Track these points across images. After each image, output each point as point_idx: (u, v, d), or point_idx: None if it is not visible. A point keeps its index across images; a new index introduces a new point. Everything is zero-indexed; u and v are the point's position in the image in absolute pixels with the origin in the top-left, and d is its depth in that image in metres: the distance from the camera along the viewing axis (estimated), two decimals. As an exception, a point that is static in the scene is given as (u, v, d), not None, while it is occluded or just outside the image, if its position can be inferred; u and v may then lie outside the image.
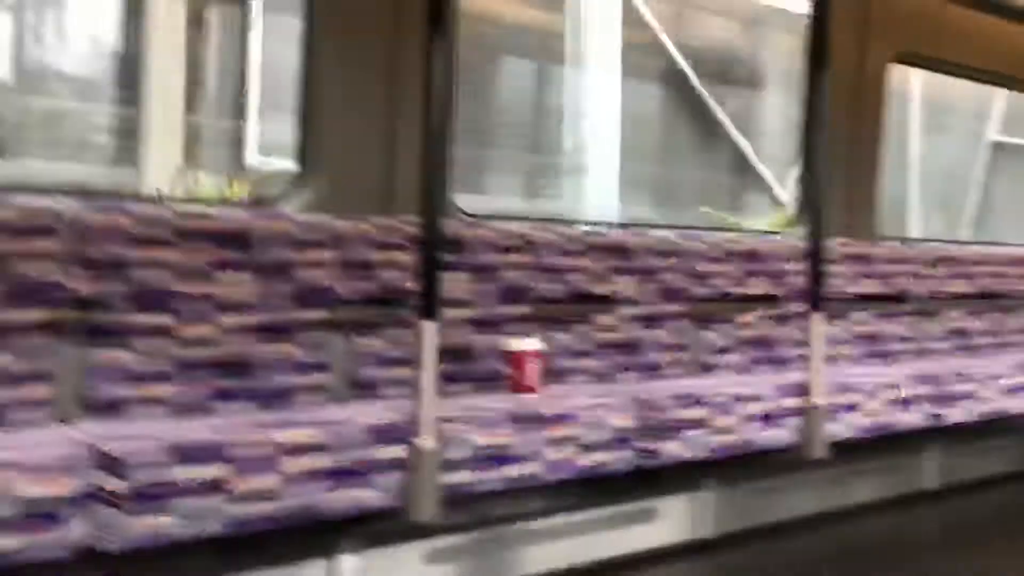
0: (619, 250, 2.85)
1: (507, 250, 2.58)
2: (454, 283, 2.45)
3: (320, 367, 2.20)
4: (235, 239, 2.12)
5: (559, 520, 2.33)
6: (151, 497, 1.54)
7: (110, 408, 1.91)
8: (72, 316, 1.89)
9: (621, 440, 2.18)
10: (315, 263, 2.24)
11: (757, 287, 3.14)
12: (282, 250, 2.20)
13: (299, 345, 2.18)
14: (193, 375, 2.02)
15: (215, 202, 2.25)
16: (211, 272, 2.09)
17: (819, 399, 2.49)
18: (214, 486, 1.60)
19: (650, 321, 2.85)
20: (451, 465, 1.88)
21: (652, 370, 2.83)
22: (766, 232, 3.50)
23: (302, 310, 2.19)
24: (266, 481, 1.64)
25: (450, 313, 2.41)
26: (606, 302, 2.50)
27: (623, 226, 3.07)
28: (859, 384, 2.73)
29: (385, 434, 1.82)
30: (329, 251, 2.27)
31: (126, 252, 1.98)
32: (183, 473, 1.57)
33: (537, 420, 2.04)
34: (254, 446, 1.66)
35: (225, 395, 2.06)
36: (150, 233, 2.02)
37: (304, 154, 2.40)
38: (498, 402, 2.11)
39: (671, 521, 2.56)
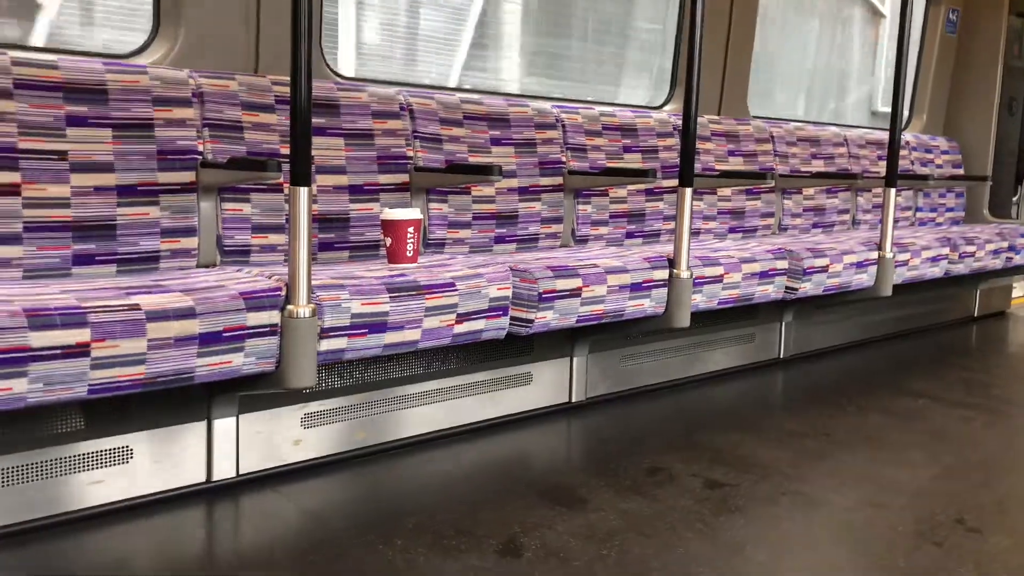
0: (498, 120, 2.83)
1: (383, 116, 2.52)
2: (328, 148, 2.39)
3: (187, 231, 2.12)
4: (89, 92, 1.97)
5: (436, 384, 2.40)
6: (3, 362, 1.47)
7: None
8: None
9: (497, 308, 2.21)
10: (177, 121, 2.12)
11: (632, 161, 3.20)
12: (141, 106, 2.06)
13: (164, 208, 2.08)
14: (47, 238, 1.90)
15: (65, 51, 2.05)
16: (62, 128, 1.94)
17: (684, 271, 2.62)
18: (76, 351, 1.53)
19: (527, 193, 2.87)
20: (327, 331, 1.88)
21: (528, 241, 2.88)
22: (642, 107, 3.54)
23: (165, 172, 2.09)
24: (133, 346, 1.58)
25: (324, 180, 2.37)
26: (484, 171, 2.49)
27: (503, 95, 3.02)
28: (722, 257, 2.86)
29: (258, 300, 1.78)
30: (192, 109, 2.15)
31: None
32: (40, 339, 1.50)
33: (414, 289, 2.04)
34: (119, 311, 1.60)
35: (85, 259, 1.96)
36: None
37: (159, 3, 2.23)
38: (375, 271, 2.10)
39: (544, 385, 2.68)
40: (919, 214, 4.53)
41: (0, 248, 1.87)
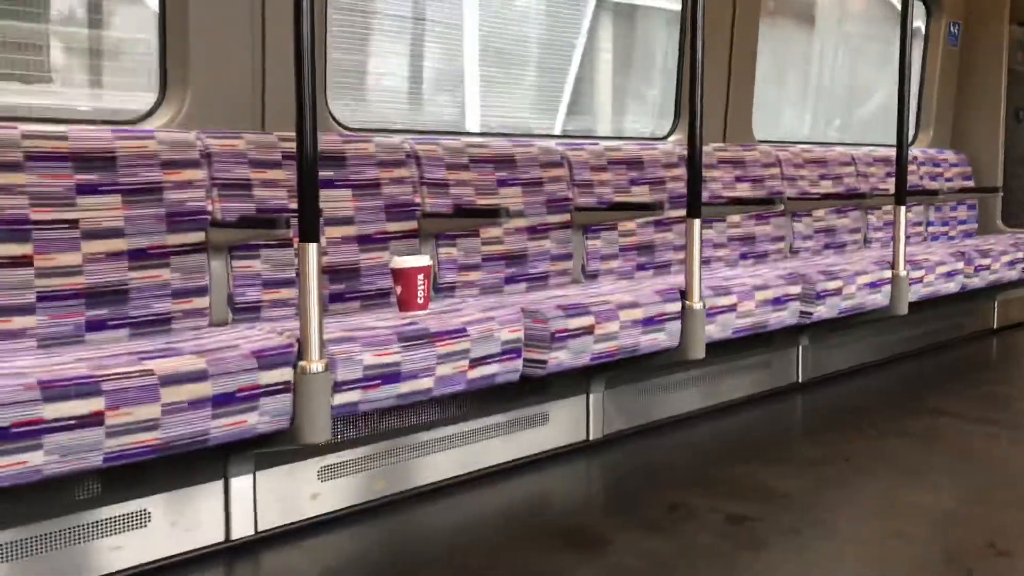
0: (504, 161, 2.85)
1: (389, 164, 2.55)
2: (336, 200, 2.41)
3: (198, 292, 2.14)
4: (98, 160, 2.01)
5: (452, 430, 2.39)
6: (19, 436, 1.48)
7: None
8: None
9: (510, 351, 2.21)
10: (185, 183, 2.15)
11: (639, 194, 3.20)
12: (149, 170, 2.09)
13: (174, 270, 2.10)
14: (60, 306, 1.93)
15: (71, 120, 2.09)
16: (72, 197, 1.97)
17: (696, 302, 2.62)
18: (90, 421, 1.55)
19: (536, 232, 2.88)
20: (341, 385, 1.88)
21: (539, 280, 2.88)
22: (648, 139, 3.55)
23: (175, 234, 2.11)
24: (147, 411, 1.59)
25: (333, 231, 2.39)
26: (492, 214, 2.51)
27: (507, 136, 3.04)
28: (734, 286, 2.85)
29: (271, 358, 1.79)
30: (200, 170, 2.18)
31: None
32: (54, 411, 1.51)
33: (426, 336, 2.04)
34: (132, 377, 1.61)
35: (98, 325, 1.98)
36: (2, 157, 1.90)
37: (166, 67, 2.27)
38: (386, 320, 2.11)
39: (560, 425, 2.67)
40: (931, 228, 4.51)
41: (15, 319, 1.89)
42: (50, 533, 1.75)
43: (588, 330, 2.39)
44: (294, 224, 1.89)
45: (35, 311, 1.91)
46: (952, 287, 3.71)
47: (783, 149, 3.87)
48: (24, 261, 1.90)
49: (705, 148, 3.41)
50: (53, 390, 1.53)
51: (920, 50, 4.63)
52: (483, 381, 2.18)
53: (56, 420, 1.52)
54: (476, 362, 2.14)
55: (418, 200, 2.62)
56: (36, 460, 1.51)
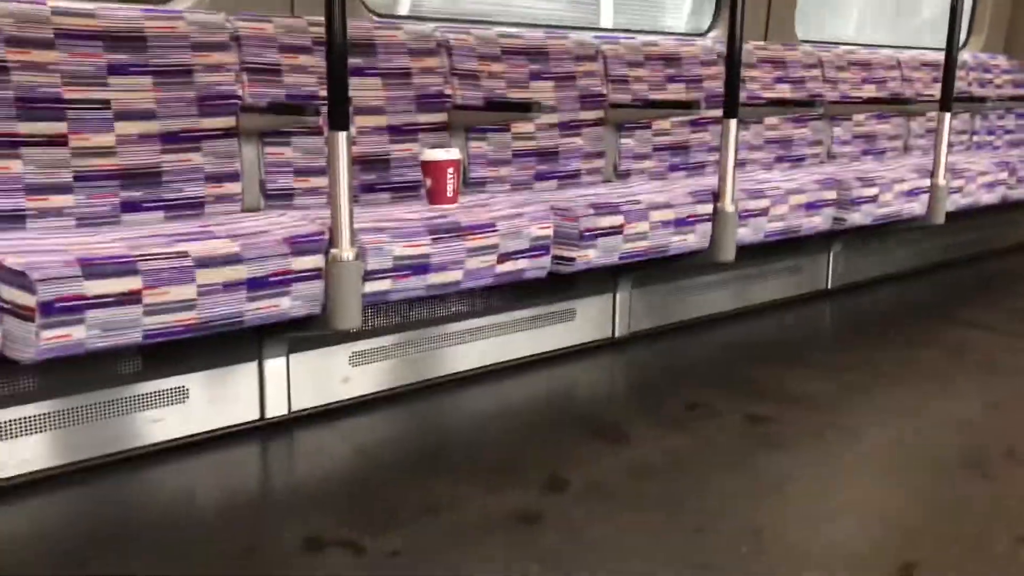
0: (537, 53, 2.79)
1: (419, 54, 2.50)
2: (366, 89, 2.38)
3: (230, 177, 2.15)
4: (128, 40, 1.99)
5: (479, 322, 2.43)
6: (62, 310, 1.52)
7: (10, 219, 1.84)
8: None
9: (539, 248, 2.22)
10: (215, 66, 2.13)
11: (676, 92, 3.13)
12: (179, 52, 2.07)
13: (206, 154, 2.11)
14: (96, 186, 1.95)
15: (101, -1, 2.06)
16: (104, 77, 1.96)
17: (729, 205, 2.59)
18: (128, 298, 1.58)
19: (568, 128, 2.84)
20: (371, 274, 1.91)
21: (570, 178, 2.86)
22: (686, 35, 3.45)
23: (207, 118, 2.11)
24: (183, 292, 1.63)
25: (363, 121, 2.38)
26: (523, 108, 2.47)
27: (540, 28, 2.96)
28: (768, 189, 2.82)
29: (303, 245, 1.81)
30: (230, 53, 2.16)
31: (3, 54, 1.85)
32: (95, 287, 1.55)
33: (455, 230, 2.05)
34: (168, 258, 1.65)
35: (133, 206, 2.00)
36: (29, 34, 1.88)
37: None
38: (416, 212, 2.11)
39: (587, 321, 2.69)
40: (976, 138, 4.38)
41: (52, 197, 1.92)
42: (93, 404, 1.82)
43: (618, 229, 2.39)
44: (324, 112, 1.88)
45: (72, 190, 1.94)
46: (993, 198, 3.63)
47: (825, 50, 3.74)
48: (59, 140, 1.91)
49: (745, 46, 3.31)
50: (93, 267, 1.56)
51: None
52: (511, 276, 2.19)
53: (96, 297, 1.56)
54: (504, 257, 2.15)
55: (449, 92, 2.58)
56: (79, 334, 1.55)
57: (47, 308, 1.51)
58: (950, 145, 3.52)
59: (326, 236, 1.85)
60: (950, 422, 2.20)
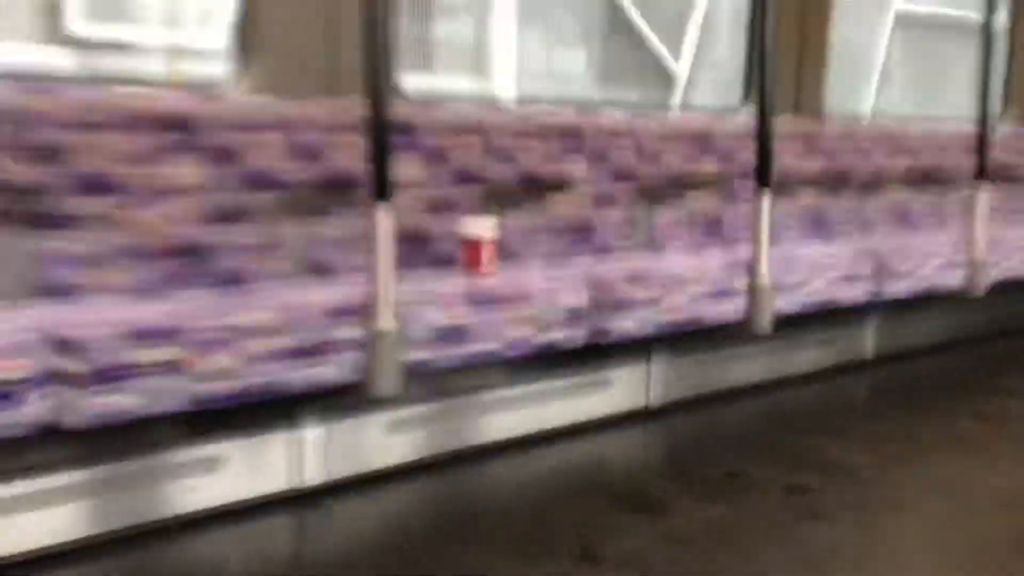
0: (571, 132, 2.86)
1: (457, 132, 2.57)
2: (406, 167, 2.45)
3: (274, 250, 2.21)
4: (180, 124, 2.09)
5: (516, 391, 2.44)
6: (110, 378, 1.58)
7: (64, 294, 1.91)
8: (16, 204, 1.87)
9: (575, 318, 2.24)
10: (263, 147, 2.22)
11: (708, 166, 3.18)
12: (229, 134, 2.16)
13: (252, 230, 2.18)
14: (145, 261, 2.02)
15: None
16: (157, 157, 2.05)
17: (764, 278, 2.60)
18: (173, 366, 1.64)
19: (602, 202, 2.89)
20: (410, 344, 1.94)
21: (605, 251, 2.89)
22: (718, 111, 3.51)
23: (252, 194, 2.18)
24: (225, 361, 1.67)
25: (403, 197, 2.43)
26: (558, 183, 2.52)
27: (574, 106, 3.04)
28: (804, 262, 2.82)
29: (343, 315, 1.85)
30: (277, 134, 2.24)
31: (65, 137, 1.94)
32: (142, 354, 1.62)
33: (492, 300, 2.08)
34: (212, 329, 1.70)
35: (180, 280, 2.07)
36: (90, 118, 1.98)
37: (245, 34, 2.33)
38: (454, 283, 2.16)
39: (622, 390, 2.69)
40: (1013, 210, 4.35)
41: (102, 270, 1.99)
42: (127, 473, 1.83)
43: (653, 300, 2.40)
44: (366, 188, 1.93)
45: (122, 265, 2.00)
46: None
47: (857, 123, 3.77)
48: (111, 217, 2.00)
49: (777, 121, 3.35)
50: (142, 336, 1.62)
51: (1008, 18, 4.45)
52: (547, 345, 2.21)
53: (144, 365, 1.61)
54: (540, 327, 2.17)
55: (484, 167, 2.62)
56: (125, 402, 1.60)
57: (98, 375, 1.56)
58: (987, 218, 3.51)
59: (366, 308, 1.87)
60: (994, 497, 2.15)
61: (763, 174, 2.59)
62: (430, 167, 2.50)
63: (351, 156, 2.33)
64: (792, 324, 3.04)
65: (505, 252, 2.64)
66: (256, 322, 1.74)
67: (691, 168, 3.13)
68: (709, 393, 2.92)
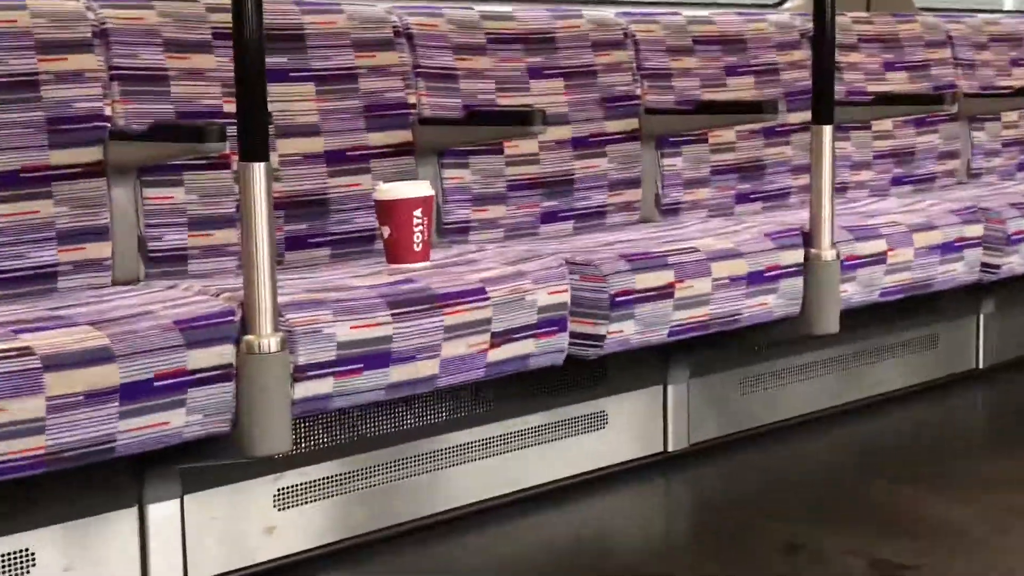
0: (539, 40, 2.85)
1: (369, 46, 2.59)
2: (293, 100, 2.47)
3: (95, 233, 2.19)
4: None
5: (467, 436, 2.47)
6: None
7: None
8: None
9: (551, 322, 2.27)
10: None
11: (740, 89, 3.22)
12: None
13: (59, 203, 2.15)
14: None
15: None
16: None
17: (827, 250, 2.63)
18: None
19: (587, 145, 2.91)
20: (305, 371, 1.93)
21: (592, 217, 2.92)
22: (752, 8, 3.52)
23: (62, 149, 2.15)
24: (26, 408, 1.64)
25: (289, 146, 2.45)
26: (521, 120, 2.53)
27: None
28: (883, 225, 2.85)
29: (203, 331, 1.84)
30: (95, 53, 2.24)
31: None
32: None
33: (428, 300, 2.08)
34: (5, 359, 1.65)
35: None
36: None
37: None
38: (369, 276, 2.17)
39: (626, 429, 2.72)
40: None
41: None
42: None
43: (666, 291, 2.41)
44: (232, 135, 1.91)
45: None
46: None
47: (955, 20, 3.82)
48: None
49: (840, 20, 3.38)
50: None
51: None
52: (511, 365, 2.21)
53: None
54: (500, 337, 2.16)
55: (412, 100, 2.62)
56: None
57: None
58: None
59: (237, 317, 1.86)
60: None
61: (822, 100, 2.60)
62: (331, 99, 2.50)
63: (207, 85, 2.36)
64: (869, 321, 3.07)
65: (443, 225, 2.62)
66: (68, 346, 1.70)
67: (716, 93, 3.14)
68: (753, 429, 2.95)
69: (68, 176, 2.16)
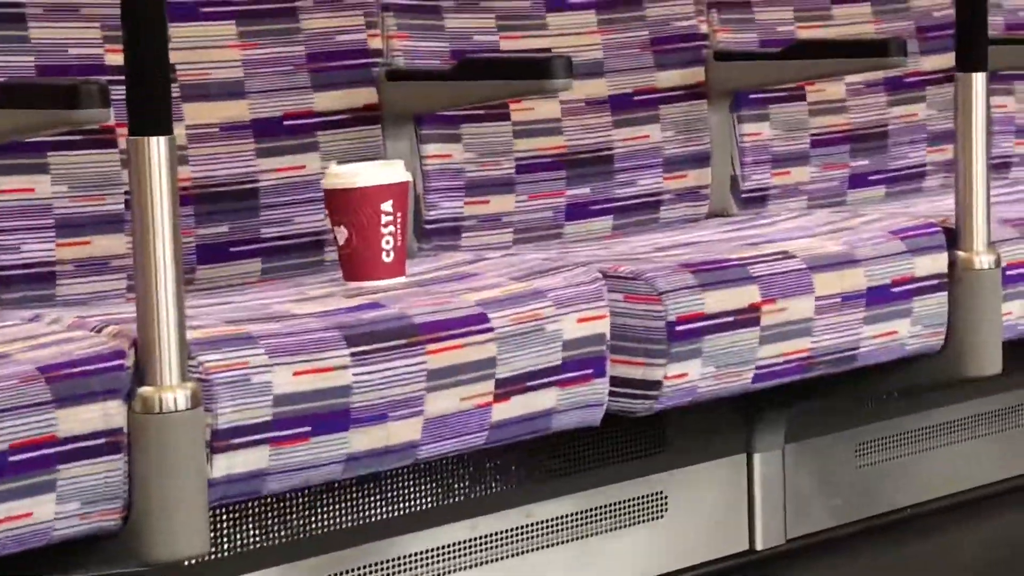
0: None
1: None
2: (208, 45, 2.50)
3: None
4: None
5: (465, 531, 2.49)
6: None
7: None
8: None
9: (582, 363, 2.28)
10: None
11: (849, 22, 3.27)
12: None
13: None
14: None
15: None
16: None
17: (983, 254, 2.65)
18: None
19: (629, 107, 2.95)
20: (226, 437, 1.94)
21: (639, 209, 2.95)
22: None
23: None
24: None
25: (199, 113, 2.50)
26: (533, 71, 2.55)
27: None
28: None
29: (79, 382, 1.85)
30: None
31: None
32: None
33: (403, 332, 2.10)
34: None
35: None
36: None
37: None
38: (319, 298, 2.20)
39: (694, 519, 2.75)
40: None
41: None
42: None
43: (749, 316, 2.43)
44: (118, 99, 1.92)
45: None
46: None
47: None
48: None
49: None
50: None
51: None
52: (525, 426, 2.22)
53: None
54: (509, 386, 2.18)
55: (377, 44, 2.65)
56: None
57: None
58: None
59: (129, 362, 1.87)
60: None
61: (970, 39, 2.62)
62: (260, 44, 2.55)
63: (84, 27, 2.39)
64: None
65: (425, 223, 2.65)
66: None
67: (815, 28, 3.16)
68: (870, 519, 2.98)
69: None
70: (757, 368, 2.45)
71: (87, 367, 1.84)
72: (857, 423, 2.94)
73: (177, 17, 2.38)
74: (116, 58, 2.28)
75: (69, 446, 1.80)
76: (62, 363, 1.83)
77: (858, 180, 3.23)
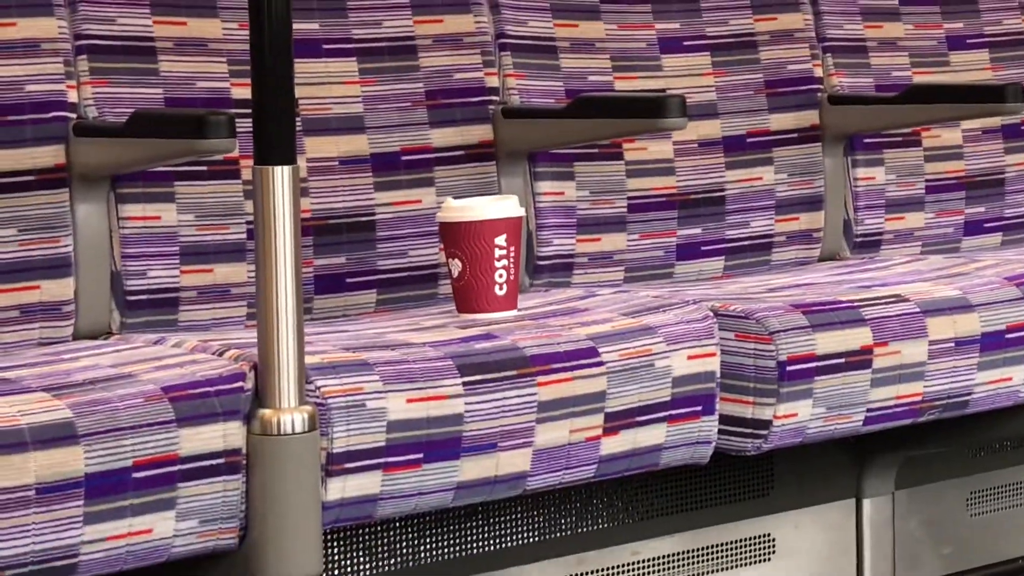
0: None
1: (436, 8, 2.66)
2: (327, 80, 2.54)
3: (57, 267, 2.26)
4: None
5: (571, 566, 2.48)
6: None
7: None
8: None
9: (691, 400, 2.29)
10: None
11: (967, 66, 3.25)
12: None
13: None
14: None
15: None
16: None
17: None
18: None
19: (742, 148, 2.97)
20: (340, 462, 1.96)
21: (751, 251, 2.97)
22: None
23: None
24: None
25: (319, 146, 2.51)
26: (648, 110, 2.56)
27: None
28: None
29: (200, 402, 1.87)
30: None
31: None
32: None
33: (515, 364, 2.11)
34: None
35: None
36: None
37: None
38: (432, 328, 2.21)
39: (804, 561, 2.74)
40: None
41: None
42: None
43: (861, 358, 2.43)
44: (244, 130, 1.96)
45: None
46: None
47: None
48: None
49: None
50: None
51: None
52: (633, 461, 2.23)
53: None
54: (618, 420, 2.19)
55: (494, 82, 2.69)
56: None
57: None
58: None
59: (248, 384, 1.92)
60: None
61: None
62: (379, 80, 2.58)
63: (210, 62, 2.43)
64: None
65: (539, 258, 2.68)
66: (14, 421, 1.75)
67: (932, 71, 3.15)
68: (984, 568, 2.97)
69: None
70: (868, 411, 2.44)
71: (209, 388, 1.88)
72: (969, 471, 2.91)
73: (301, 53, 2.41)
74: (241, 92, 2.33)
75: (190, 465, 1.84)
76: (185, 384, 1.87)
77: (973, 227, 3.21)
